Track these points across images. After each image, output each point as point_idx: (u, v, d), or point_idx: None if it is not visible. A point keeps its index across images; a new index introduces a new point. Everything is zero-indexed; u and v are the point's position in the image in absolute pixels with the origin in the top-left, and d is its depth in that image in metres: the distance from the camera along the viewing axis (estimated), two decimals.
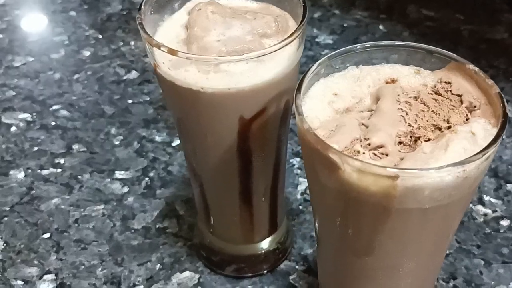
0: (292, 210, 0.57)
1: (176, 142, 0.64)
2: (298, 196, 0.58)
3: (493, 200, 0.57)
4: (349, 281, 0.38)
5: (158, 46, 0.38)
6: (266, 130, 0.42)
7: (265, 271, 0.52)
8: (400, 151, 0.32)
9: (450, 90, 0.35)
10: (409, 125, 0.33)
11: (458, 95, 0.35)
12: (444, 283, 0.51)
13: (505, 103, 0.33)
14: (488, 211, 0.56)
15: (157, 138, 0.64)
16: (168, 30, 0.42)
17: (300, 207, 0.57)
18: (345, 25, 0.78)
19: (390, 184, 0.30)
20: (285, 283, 0.51)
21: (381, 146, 0.32)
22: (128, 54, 0.75)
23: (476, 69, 0.35)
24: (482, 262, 0.52)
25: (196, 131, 0.42)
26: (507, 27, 0.76)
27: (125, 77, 0.72)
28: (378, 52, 0.37)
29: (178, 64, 0.39)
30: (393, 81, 0.36)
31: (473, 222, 0.55)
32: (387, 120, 0.33)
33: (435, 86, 0.35)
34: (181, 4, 0.44)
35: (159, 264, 0.53)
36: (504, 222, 0.55)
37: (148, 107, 0.68)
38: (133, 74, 0.72)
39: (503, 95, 0.34)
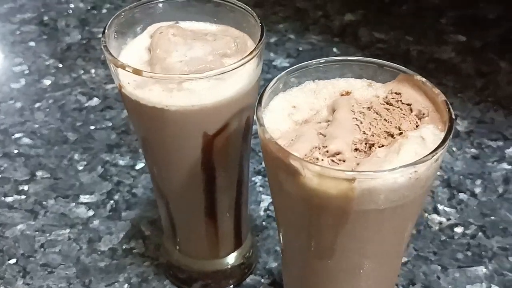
0: (256, 226, 0.58)
1: (140, 165, 0.65)
2: (261, 213, 0.60)
3: (447, 209, 0.60)
4: (313, 285, 0.40)
5: (123, 66, 0.39)
6: (229, 146, 0.44)
7: (231, 286, 0.53)
8: (356, 157, 0.34)
9: (401, 100, 0.37)
10: (364, 132, 0.35)
11: (408, 104, 0.37)
12: None
13: (451, 110, 0.35)
14: (443, 219, 0.59)
15: (121, 162, 0.65)
16: (131, 53, 0.44)
17: (264, 223, 0.59)
18: (300, 48, 0.81)
19: (348, 187, 0.32)
20: None
21: (338, 153, 0.34)
22: (89, 81, 0.76)
23: (423, 79, 0.38)
24: (439, 268, 0.54)
25: (161, 149, 0.44)
26: (454, 47, 0.80)
27: (86, 104, 0.73)
28: (332, 67, 0.39)
29: (143, 84, 0.40)
30: (347, 93, 0.39)
31: (429, 230, 0.58)
32: (343, 129, 0.35)
33: (386, 97, 0.38)
34: (143, 28, 0.45)
35: (126, 284, 0.53)
36: (458, 229, 0.58)
37: (110, 132, 0.69)
38: (95, 101, 0.73)
39: (449, 103, 0.36)
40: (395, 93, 0.38)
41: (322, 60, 0.39)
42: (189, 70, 0.41)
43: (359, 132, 0.35)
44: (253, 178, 0.62)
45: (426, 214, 0.59)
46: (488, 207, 0.60)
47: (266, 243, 0.57)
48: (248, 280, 0.54)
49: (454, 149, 0.66)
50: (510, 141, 0.67)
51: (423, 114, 0.37)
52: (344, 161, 0.34)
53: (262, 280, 0.54)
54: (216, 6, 0.46)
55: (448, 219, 0.59)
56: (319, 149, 0.34)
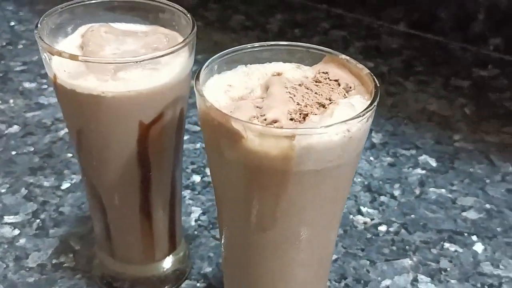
0: (188, 235, 0.58)
1: (66, 185, 0.64)
2: (193, 223, 0.60)
3: (370, 210, 0.62)
4: (255, 261, 0.41)
5: (59, 53, 0.40)
6: (164, 137, 0.45)
7: None
8: (292, 125, 0.36)
9: (328, 77, 0.40)
10: (298, 104, 0.37)
11: (335, 80, 0.40)
12: (336, 283, 0.54)
13: (375, 79, 0.38)
14: (367, 219, 0.61)
15: (45, 183, 0.64)
16: (64, 49, 0.44)
17: (196, 232, 0.59)
18: None
19: (288, 145, 0.34)
20: None
21: (276, 121, 0.36)
22: (8, 111, 0.75)
23: (348, 58, 0.41)
24: (368, 262, 0.57)
25: (97, 141, 0.44)
26: None
27: (6, 132, 0.71)
28: (263, 52, 0.42)
29: (78, 72, 0.41)
30: (279, 74, 0.41)
31: (355, 229, 0.60)
32: (278, 101, 0.37)
33: (315, 76, 0.40)
34: (74, 28, 0.46)
35: None
36: (382, 228, 0.60)
37: (33, 157, 0.68)
38: (15, 128, 0.72)
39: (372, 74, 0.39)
40: (323, 72, 0.41)
41: (256, 44, 0.41)
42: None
43: (293, 103, 0.37)
44: (182, 192, 0.63)
45: (351, 216, 0.61)
46: (407, 207, 0.63)
47: (199, 250, 0.57)
48: (183, 285, 0.54)
49: (371, 158, 0.70)
50: (422, 150, 0.71)
51: (350, 87, 0.39)
52: (281, 128, 0.36)
53: (198, 284, 0.54)
54: (145, 7, 0.47)
55: (372, 219, 0.61)
56: (257, 118, 0.36)
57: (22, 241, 0.57)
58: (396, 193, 0.65)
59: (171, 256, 0.53)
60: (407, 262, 0.57)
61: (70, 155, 0.68)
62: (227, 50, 0.41)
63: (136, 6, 0.47)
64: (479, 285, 0.55)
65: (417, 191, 0.65)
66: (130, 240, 0.50)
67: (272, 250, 0.40)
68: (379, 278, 0.55)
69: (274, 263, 0.41)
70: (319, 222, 0.39)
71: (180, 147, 0.48)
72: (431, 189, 0.66)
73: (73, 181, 0.64)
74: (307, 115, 0.37)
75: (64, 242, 0.57)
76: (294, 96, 0.38)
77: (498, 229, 0.61)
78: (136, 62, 0.40)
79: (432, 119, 0.77)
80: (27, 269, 0.54)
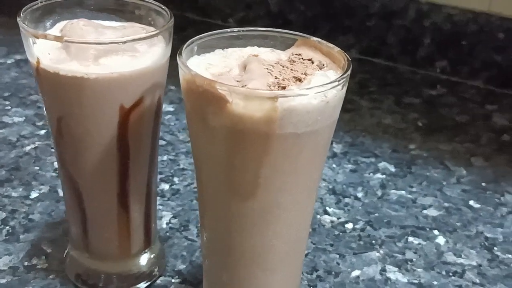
0: (160, 237, 0.59)
1: (35, 195, 0.64)
2: (164, 226, 0.61)
3: (336, 210, 0.65)
4: (236, 235, 0.42)
5: (44, 36, 0.42)
6: (143, 121, 0.46)
7: (143, 287, 0.53)
8: None
9: (302, 58, 0.43)
10: (276, 77, 0.40)
11: (309, 59, 0.43)
12: (308, 275, 0.56)
13: (347, 54, 0.41)
14: (334, 218, 0.64)
15: (14, 194, 0.64)
16: (44, 42, 0.46)
17: (167, 234, 0.60)
18: None
19: (271, 107, 0.36)
20: None
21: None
22: None
23: (319, 39, 0.43)
24: (337, 256, 0.58)
25: (78, 128, 0.45)
26: None
27: None
28: (239, 36, 0.44)
29: (62, 56, 0.42)
30: (255, 55, 0.44)
31: (323, 227, 0.62)
32: (257, 75, 0.40)
33: (289, 58, 0.43)
34: (52, 23, 0.48)
35: None
36: (349, 225, 0.63)
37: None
38: None
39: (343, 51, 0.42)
40: (296, 54, 0.43)
41: (232, 29, 0.44)
42: (103, 49, 0.43)
43: (272, 77, 0.40)
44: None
45: (318, 216, 0.63)
46: (371, 207, 0.66)
47: (172, 250, 0.58)
48: (158, 281, 0.54)
49: (334, 165, 0.72)
50: (381, 158, 0.74)
51: (323, 64, 0.42)
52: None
53: (173, 280, 0.55)
54: (122, 4, 0.49)
55: (339, 218, 0.64)
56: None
57: None
58: (360, 195, 0.68)
59: (147, 252, 0.53)
60: (374, 254, 0.59)
61: (37, 168, 0.68)
62: (204, 34, 0.43)
63: (112, 3, 0.49)
64: (444, 272, 0.57)
65: (379, 193, 0.68)
66: (107, 233, 0.51)
67: (254, 221, 0.41)
68: (349, 269, 0.57)
69: (255, 236, 0.42)
70: (298, 189, 0.41)
71: (157, 137, 0.49)
72: (392, 191, 0.69)
73: (41, 191, 0.65)
74: (284, 87, 0.39)
75: (36, 246, 0.57)
76: (272, 71, 0.40)
77: (458, 223, 0.64)
78: (120, 43, 0.42)
79: (388, 131, 0.81)
80: None
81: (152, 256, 0.54)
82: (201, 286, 0.49)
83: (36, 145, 0.72)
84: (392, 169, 0.73)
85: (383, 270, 0.57)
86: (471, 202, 0.68)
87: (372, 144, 0.77)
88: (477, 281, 0.57)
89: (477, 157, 0.77)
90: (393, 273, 0.57)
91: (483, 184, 0.71)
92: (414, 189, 0.69)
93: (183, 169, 0.70)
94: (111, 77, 0.43)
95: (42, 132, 0.75)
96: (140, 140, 0.47)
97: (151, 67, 0.44)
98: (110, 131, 0.45)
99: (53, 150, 0.66)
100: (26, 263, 0.55)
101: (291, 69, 0.41)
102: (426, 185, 0.70)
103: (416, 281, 0.56)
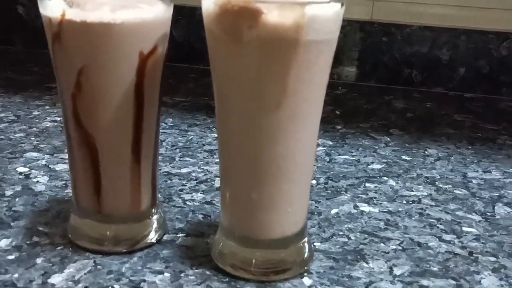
0: None
1: (9, 193, 0.64)
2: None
3: None
4: (262, 146, 0.47)
5: None
6: (157, 68, 0.51)
7: (154, 241, 0.56)
8: None
9: None
10: None
11: None
12: None
13: None
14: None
15: None
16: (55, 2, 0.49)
17: None
18: None
19: (300, 14, 0.43)
20: (175, 246, 0.56)
21: None
22: None
23: None
24: (314, 202, 0.65)
25: (99, 77, 0.49)
26: None
27: None
28: None
29: (91, 3, 0.47)
30: None
31: None
32: None
33: None
34: None
35: (48, 264, 0.52)
36: (313, 182, 0.70)
37: None
38: None
39: None
40: None
41: None
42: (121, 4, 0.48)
43: None
44: None
45: None
46: (325, 168, 0.74)
47: (166, 216, 0.61)
48: (165, 237, 0.57)
49: None
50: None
51: None
52: None
53: (178, 235, 0.58)
54: None
55: None
56: None
57: None
58: None
59: (153, 210, 0.56)
60: (343, 197, 0.67)
61: (1, 174, 0.68)
62: None
63: None
64: (404, 202, 0.66)
65: (327, 159, 0.76)
66: (120, 189, 0.53)
67: (279, 130, 0.47)
68: (327, 209, 0.64)
69: (279, 146, 0.48)
70: (315, 98, 0.48)
71: (162, 86, 0.53)
72: (337, 156, 0.77)
73: (15, 190, 0.65)
74: None
75: (31, 229, 0.58)
76: None
77: (400, 171, 0.74)
78: None
79: None
80: (3, 251, 0.54)
81: (157, 214, 0.57)
82: (205, 237, 0.54)
83: None
84: (330, 142, 0.82)
85: (356, 206, 0.65)
86: (404, 157, 0.78)
87: None
88: (433, 203, 0.66)
89: (394, 129, 0.89)
90: (365, 207, 0.65)
91: (407, 145, 0.82)
92: (354, 153, 0.79)
93: None
94: (134, 22, 0.48)
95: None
96: (153, 88, 0.52)
97: (164, 17, 0.50)
98: (130, 78, 0.49)
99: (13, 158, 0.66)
100: (28, 242, 0.55)
101: None
102: (362, 150, 0.80)
103: (385, 210, 0.64)
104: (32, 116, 0.89)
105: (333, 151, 0.79)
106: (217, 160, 0.55)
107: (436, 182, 0.71)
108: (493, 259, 0.55)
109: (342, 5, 0.47)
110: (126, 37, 0.48)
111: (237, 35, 0.45)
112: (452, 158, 0.79)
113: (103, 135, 0.51)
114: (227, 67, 0.47)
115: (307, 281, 0.51)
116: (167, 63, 0.53)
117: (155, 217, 0.57)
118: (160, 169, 0.71)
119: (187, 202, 0.64)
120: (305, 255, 0.52)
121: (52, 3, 0.47)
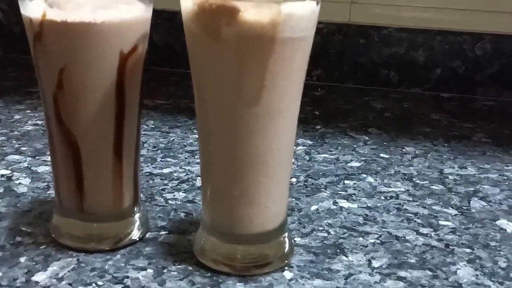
0: None
1: None
2: None
3: None
4: (243, 141, 0.48)
5: None
6: (137, 67, 0.52)
7: (137, 239, 0.56)
8: None
9: None
10: None
11: None
12: None
13: None
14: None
15: None
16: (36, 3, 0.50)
17: None
18: None
19: (276, 12, 0.45)
20: (157, 243, 0.57)
21: None
22: None
23: None
24: (294, 199, 0.66)
25: (80, 77, 0.49)
26: None
27: None
28: None
29: (71, 4, 0.48)
30: None
31: None
32: None
33: None
34: None
35: (31, 262, 0.53)
36: (293, 180, 0.71)
37: None
38: None
39: None
40: None
41: None
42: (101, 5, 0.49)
43: None
44: None
45: None
46: (305, 166, 0.75)
47: (148, 215, 0.62)
48: (147, 235, 0.58)
49: None
50: (296, 136, 0.84)
51: None
52: None
53: (161, 233, 0.58)
54: None
55: None
56: None
57: None
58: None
59: (135, 208, 0.57)
60: (323, 194, 0.68)
61: None
62: None
63: None
64: (382, 197, 0.68)
65: (307, 157, 0.78)
66: (102, 186, 0.54)
67: (258, 125, 0.48)
68: (307, 206, 0.65)
69: (259, 141, 0.49)
70: (292, 94, 0.49)
71: (143, 86, 0.54)
72: (316, 155, 0.79)
73: None
74: None
75: (14, 229, 0.58)
76: None
77: (378, 168, 0.75)
78: None
79: None
80: None
81: (140, 212, 0.58)
82: (187, 234, 0.55)
83: None
84: (310, 142, 0.83)
85: (335, 202, 0.66)
86: (382, 155, 0.80)
87: None
88: (410, 199, 0.67)
89: (372, 128, 0.90)
90: (344, 203, 0.66)
91: (385, 143, 0.84)
92: (333, 152, 0.80)
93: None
94: (115, 22, 0.49)
95: None
96: (134, 87, 0.52)
97: (144, 16, 0.51)
98: (111, 77, 0.50)
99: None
100: (11, 241, 0.56)
101: None
102: (341, 148, 0.81)
103: (364, 206, 0.65)
104: (14, 120, 0.89)
105: (312, 150, 0.80)
106: (198, 160, 0.56)
107: (414, 179, 0.73)
108: (468, 250, 0.57)
109: (317, 3, 0.48)
110: (107, 36, 0.49)
111: (215, 33, 0.46)
112: (429, 155, 0.81)
113: (84, 134, 0.52)
114: (206, 64, 0.48)
115: (288, 274, 0.52)
116: (147, 66, 0.54)
117: (137, 215, 0.57)
118: (142, 170, 0.71)
119: (169, 201, 0.65)
120: (286, 250, 0.53)
121: (33, 3, 0.48)
